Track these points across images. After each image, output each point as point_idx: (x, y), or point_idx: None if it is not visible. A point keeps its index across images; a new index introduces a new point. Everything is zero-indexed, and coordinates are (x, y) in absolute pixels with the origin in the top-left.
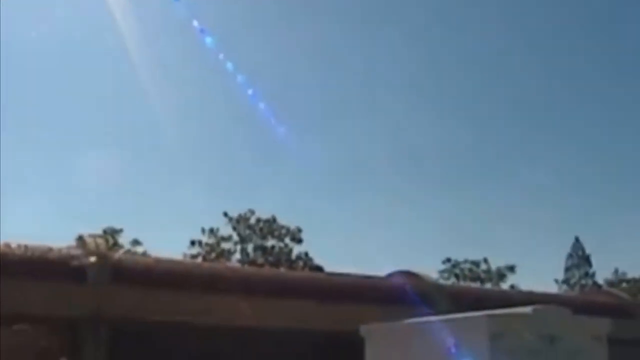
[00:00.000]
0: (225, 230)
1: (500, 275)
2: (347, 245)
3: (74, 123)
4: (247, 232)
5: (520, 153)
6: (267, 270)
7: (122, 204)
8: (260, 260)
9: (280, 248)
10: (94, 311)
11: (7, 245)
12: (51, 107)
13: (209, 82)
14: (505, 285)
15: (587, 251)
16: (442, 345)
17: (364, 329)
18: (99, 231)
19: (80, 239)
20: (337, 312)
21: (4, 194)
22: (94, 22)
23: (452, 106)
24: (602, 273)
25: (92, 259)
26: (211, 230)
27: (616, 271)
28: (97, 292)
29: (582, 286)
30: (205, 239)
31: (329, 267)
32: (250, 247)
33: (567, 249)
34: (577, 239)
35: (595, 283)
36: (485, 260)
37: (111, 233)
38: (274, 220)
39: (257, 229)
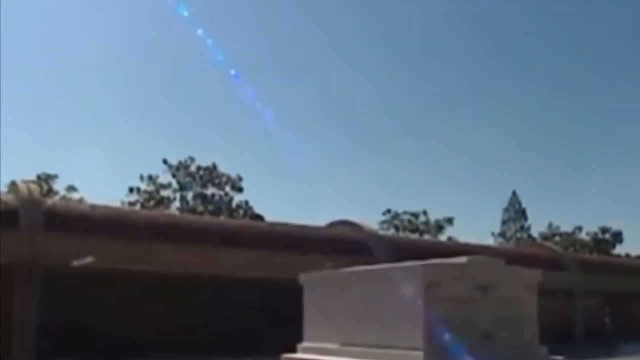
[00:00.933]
0: (165, 177)
1: (439, 227)
2: (288, 195)
3: (12, 65)
4: (187, 179)
5: (459, 109)
6: (207, 219)
7: (58, 149)
8: (200, 208)
9: (221, 196)
10: (28, 258)
11: None
12: None
13: (151, 25)
14: (443, 237)
15: (523, 205)
16: (378, 294)
17: (303, 277)
18: (33, 177)
19: (13, 184)
20: (277, 261)
21: None
22: None
23: (392, 63)
24: (536, 227)
25: (25, 204)
26: (150, 178)
27: (550, 225)
28: (31, 238)
29: (518, 239)
30: (143, 186)
31: (270, 217)
32: (190, 195)
33: (504, 202)
34: (514, 193)
35: (530, 236)
36: (425, 213)
37: (45, 179)
38: (214, 168)
39: (197, 177)
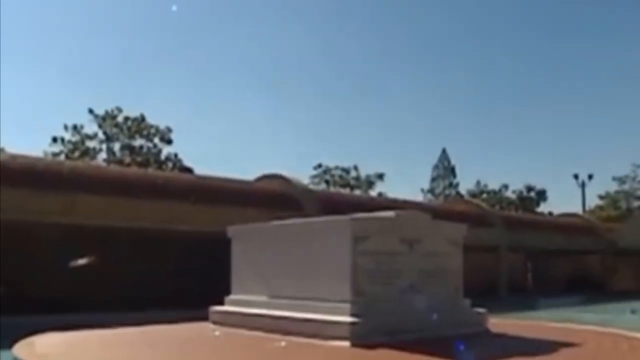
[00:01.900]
0: (91, 128)
1: (369, 183)
2: (218, 148)
3: None
4: (114, 130)
5: (391, 64)
6: (135, 170)
7: None
8: (128, 160)
9: (149, 148)
10: None
11: None
12: None
13: None
14: (374, 193)
15: (452, 163)
16: (307, 247)
17: (231, 230)
18: None
19: None
20: (206, 214)
21: None
22: None
23: (321, 16)
24: (465, 184)
25: None
26: (75, 128)
27: (478, 183)
28: None
29: (446, 196)
30: (68, 136)
31: (199, 170)
32: (117, 146)
33: (434, 159)
34: (443, 150)
35: (458, 193)
36: (356, 168)
37: None
38: (142, 119)
39: (125, 128)
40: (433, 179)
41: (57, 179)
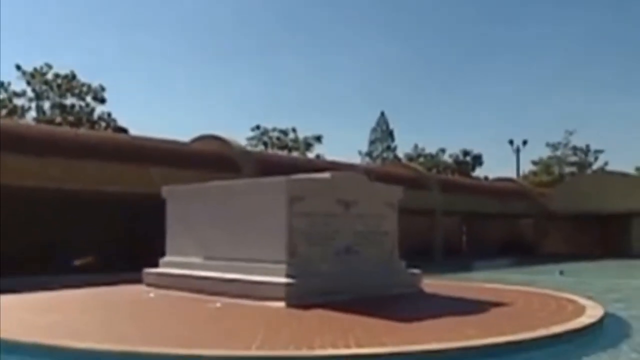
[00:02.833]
0: (19, 85)
1: (307, 145)
2: (153, 108)
3: None
4: (44, 88)
5: (331, 28)
6: (64, 129)
7: None
8: (59, 119)
9: (81, 107)
10: None
11: None
12: None
13: None
14: (311, 155)
15: (391, 126)
16: (242, 208)
17: (166, 191)
18: None
19: None
20: (138, 175)
21: None
22: None
23: None
24: (402, 147)
25: None
26: (1, 85)
27: (415, 146)
28: None
29: (384, 159)
30: None
31: (134, 130)
32: (47, 105)
33: (372, 123)
34: (382, 114)
35: (395, 156)
36: (294, 130)
37: None
38: (73, 76)
39: (55, 86)
40: (371, 142)
41: None
